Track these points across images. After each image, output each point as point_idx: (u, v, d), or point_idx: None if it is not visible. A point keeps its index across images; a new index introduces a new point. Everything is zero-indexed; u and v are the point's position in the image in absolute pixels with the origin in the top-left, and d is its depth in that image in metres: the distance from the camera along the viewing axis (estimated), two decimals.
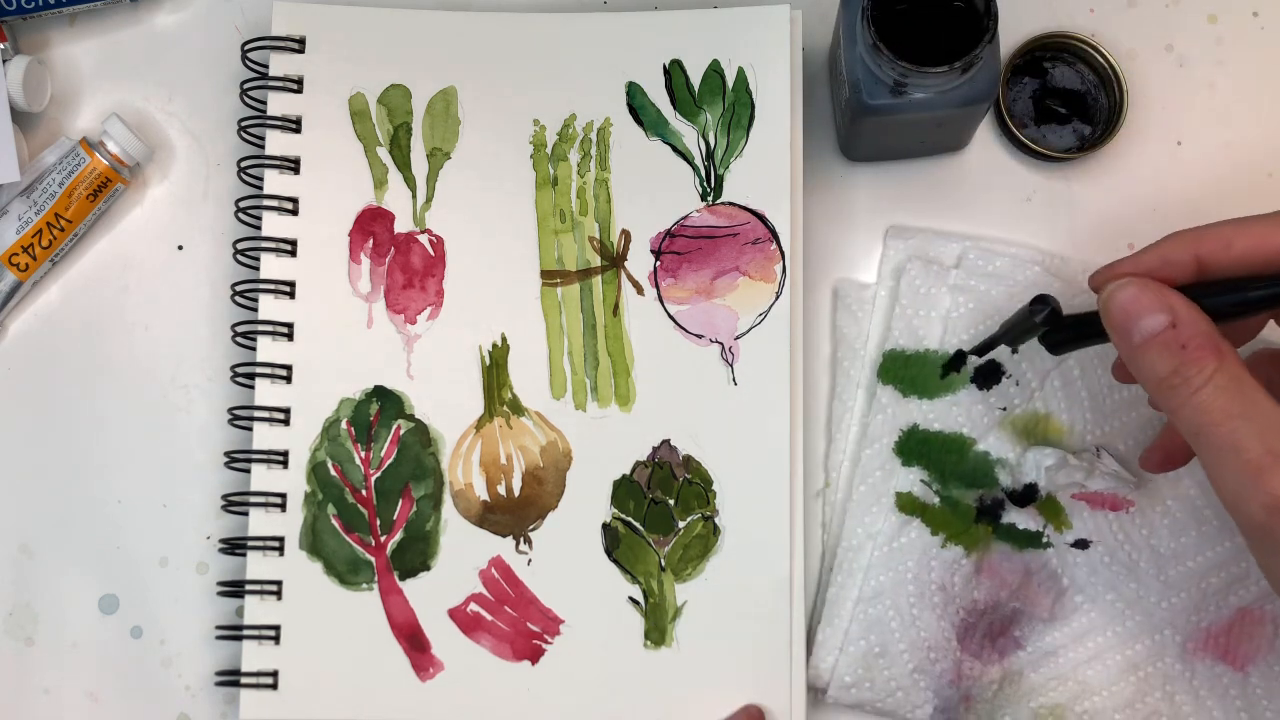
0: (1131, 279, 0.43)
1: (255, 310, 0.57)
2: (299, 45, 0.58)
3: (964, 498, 0.55)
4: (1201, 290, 0.43)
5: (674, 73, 0.57)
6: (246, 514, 0.56)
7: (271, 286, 0.57)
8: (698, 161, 0.57)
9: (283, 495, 0.56)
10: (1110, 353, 0.56)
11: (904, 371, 0.56)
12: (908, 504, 0.55)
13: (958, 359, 0.56)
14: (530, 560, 0.56)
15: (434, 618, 0.55)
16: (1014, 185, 0.59)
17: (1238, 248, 0.43)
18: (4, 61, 0.58)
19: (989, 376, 0.56)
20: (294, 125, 0.58)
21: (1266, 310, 0.44)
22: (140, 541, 0.58)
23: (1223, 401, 0.40)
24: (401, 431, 0.56)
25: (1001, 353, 0.56)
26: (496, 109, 0.58)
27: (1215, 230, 0.43)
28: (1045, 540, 0.55)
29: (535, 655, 0.55)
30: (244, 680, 0.55)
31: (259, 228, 0.57)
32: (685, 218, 0.57)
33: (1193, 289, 0.43)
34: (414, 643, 0.55)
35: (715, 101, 0.57)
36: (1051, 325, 0.47)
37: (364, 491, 0.56)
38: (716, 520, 0.55)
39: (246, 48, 0.58)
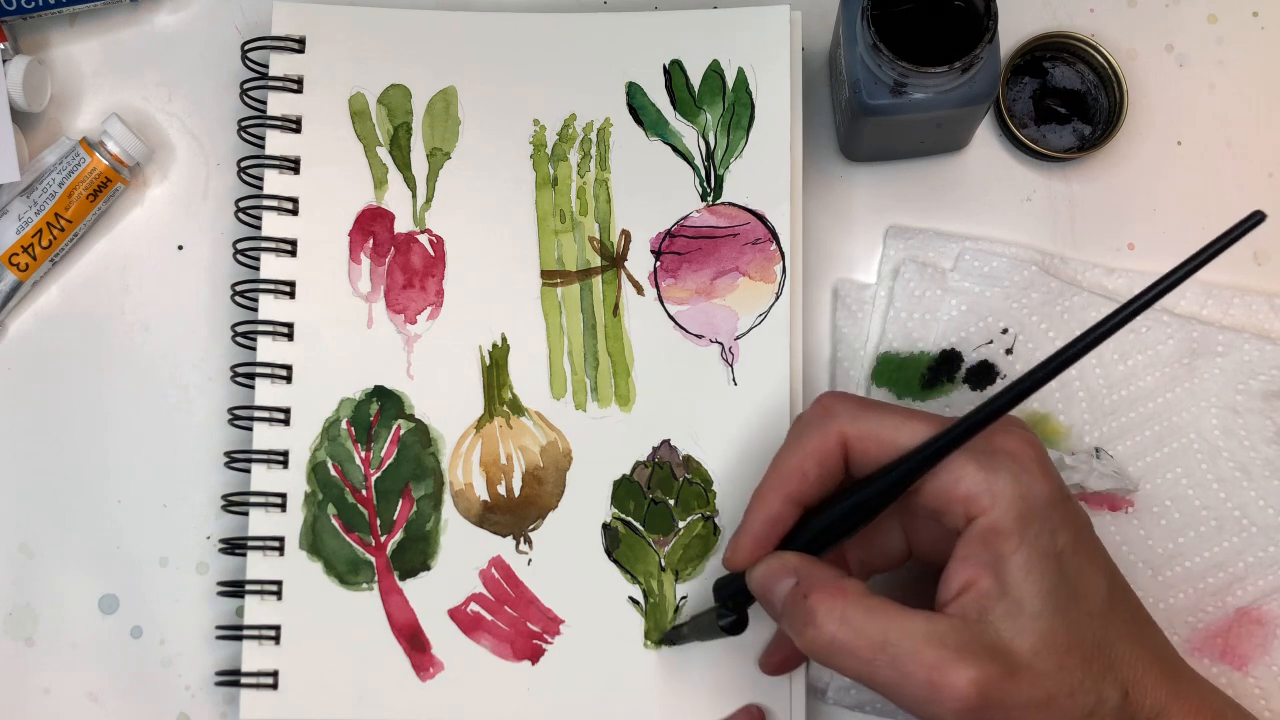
0: (765, 558, 0.45)
1: (255, 310, 0.57)
2: (299, 45, 0.58)
3: None
4: (813, 525, 0.45)
5: (674, 73, 0.57)
6: (246, 514, 0.56)
7: (271, 286, 0.57)
8: (698, 162, 0.57)
9: (283, 495, 0.56)
10: (1110, 353, 0.56)
11: (898, 374, 0.56)
12: None
13: (941, 369, 0.56)
14: (530, 560, 0.56)
15: (434, 618, 0.55)
16: (1014, 185, 0.59)
17: (811, 471, 0.45)
18: (4, 61, 0.58)
19: (983, 378, 0.56)
20: (294, 125, 0.58)
21: (860, 524, 0.45)
22: (140, 541, 0.58)
23: (863, 638, 0.41)
24: (401, 431, 0.56)
25: (995, 353, 0.56)
26: (496, 109, 0.58)
27: (785, 466, 0.45)
28: None
29: (535, 655, 0.55)
30: (244, 680, 0.55)
31: (259, 228, 0.57)
32: (685, 218, 0.57)
33: (814, 522, 0.45)
34: (414, 643, 0.55)
35: (715, 102, 0.57)
36: (736, 624, 0.49)
37: (364, 491, 0.56)
38: (716, 520, 0.55)
39: (246, 48, 0.58)
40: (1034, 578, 0.41)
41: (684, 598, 0.55)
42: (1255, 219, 0.41)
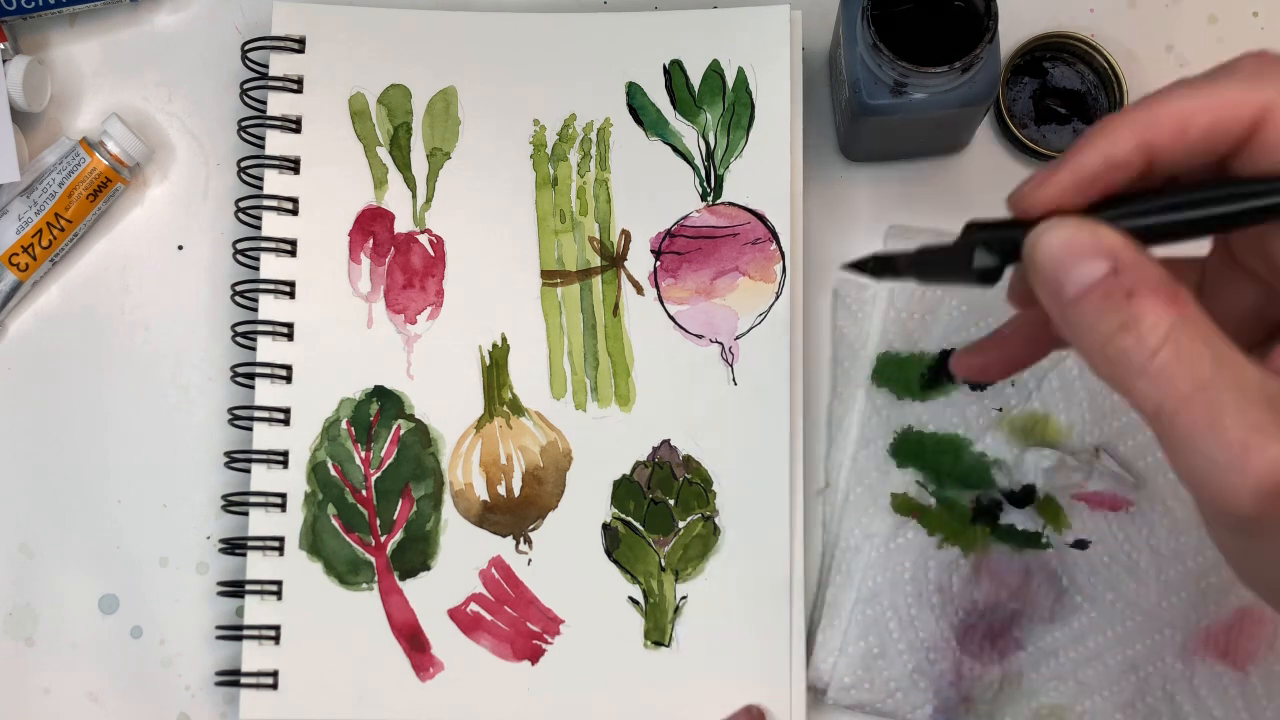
0: (1061, 219, 0.34)
1: (255, 310, 0.57)
2: (299, 45, 0.58)
3: (960, 499, 0.55)
4: (1152, 206, 0.34)
5: (674, 73, 0.57)
6: (246, 514, 0.56)
7: (271, 286, 0.57)
8: (698, 161, 0.57)
9: (283, 495, 0.56)
10: None
11: (897, 374, 0.56)
12: (904, 505, 0.55)
13: (941, 369, 0.56)
14: (530, 560, 0.56)
15: (434, 618, 0.55)
16: (1014, 185, 0.58)
17: (1197, 128, 0.34)
18: (4, 61, 0.58)
19: None
20: (294, 125, 0.58)
21: (1246, 225, 0.34)
22: (140, 541, 0.58)
23: (1187, 369, 0.32)
24: (401, 431, 0.56)
25: None
26: (496, 109, 0.58)
27: (1166, 107, 0.34)
28: (1044, 541, 0.55)
29: (535, 655, 0.55)
30: (244, 680, 0.55)
31: (259, 228, 0.57)
32: (685, 218, 0.57)
33: (1138, 205, 0.35)
34: (414, 643, 0.55)
35: (715, 101, 0.57)
36: (994, 273, 0.36)
37: (364, 491, 0.56)
38: (716, 520, 0.55)
39: (246, 48, 0.58)
40: None
41: (684, 597, 0.55)
42: None
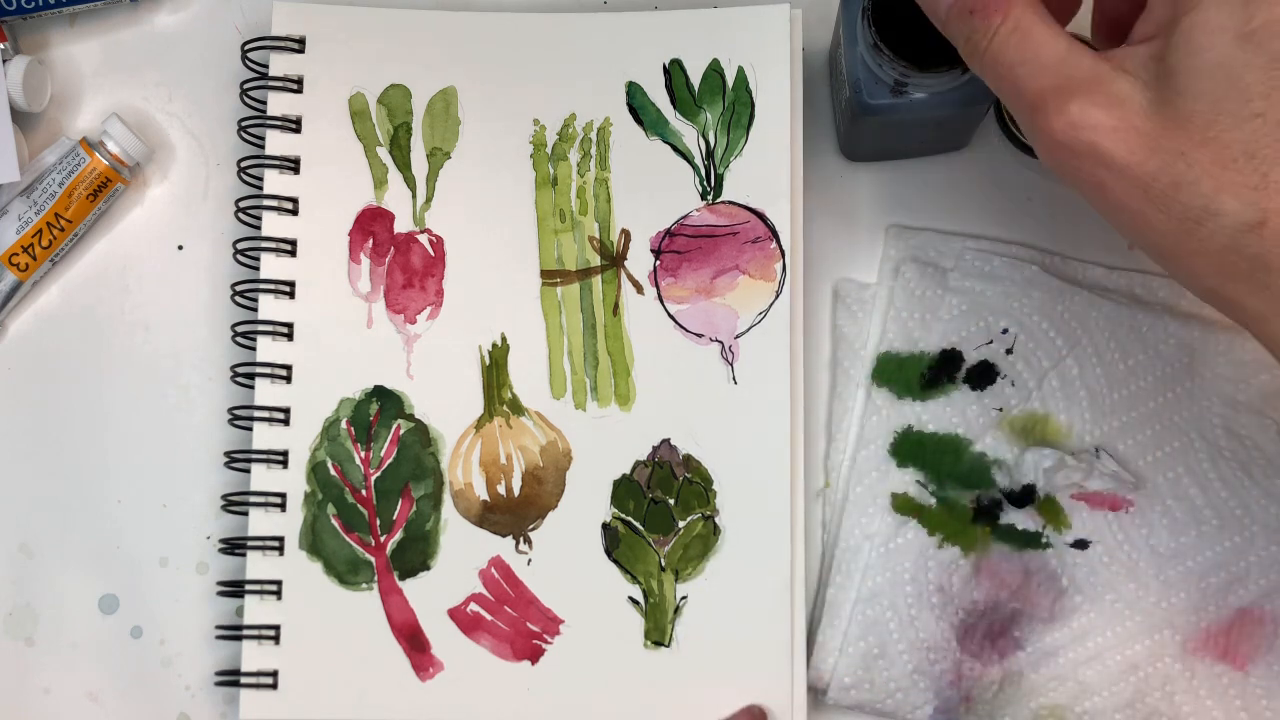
0: None
1: (255, 310, 0.57)
2: (299, 45, 0.58)
3: (960, 498, 0.55)
4: None
5: (674, 72, 0.57)
6: (246, 514, 0.56)
7: (271, 286, 0.57)
8: (698, 161, 0.57)
9: (282, 495, 0.56)
10: (1107, 349, 0.56)
11: (897, 374, 0.56)
12: (904, 505, 0.55)
13: (941, 368, 0.56)
14: (530, 560, 0.56)
15: (434, 618, 0.55)
16: (1014, 185, 0.59)
17: None
18: (4, 61, 0.58)
19: (983, 377, 0.56)
20: (294, 125, 0.58)
21: None
22: (140, 541, 0.58)
23: (1006, 53, 0.40)
24: (401, 431, 0.56)
25: (996, 353, 0.56)
26: (496, 109, 0.58)
27: None
28: (1044, 541, 0.55)
29: (535, 655, 0.55)
30: (244, 680, 0.55)
31: (259, 228, 0.57)
32: (685, 217, 0.57)
33: None
34: (414, 643, 0.55)
35: (715, 101, 0.57)
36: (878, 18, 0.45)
37: (364, 491, 0.56)
38: (716, 520, 0.55)
39: (246, 48, 0.58)
40: (1194, 48, 0.37)
41: (684, 597, 0.55)
42: None
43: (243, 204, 0.58)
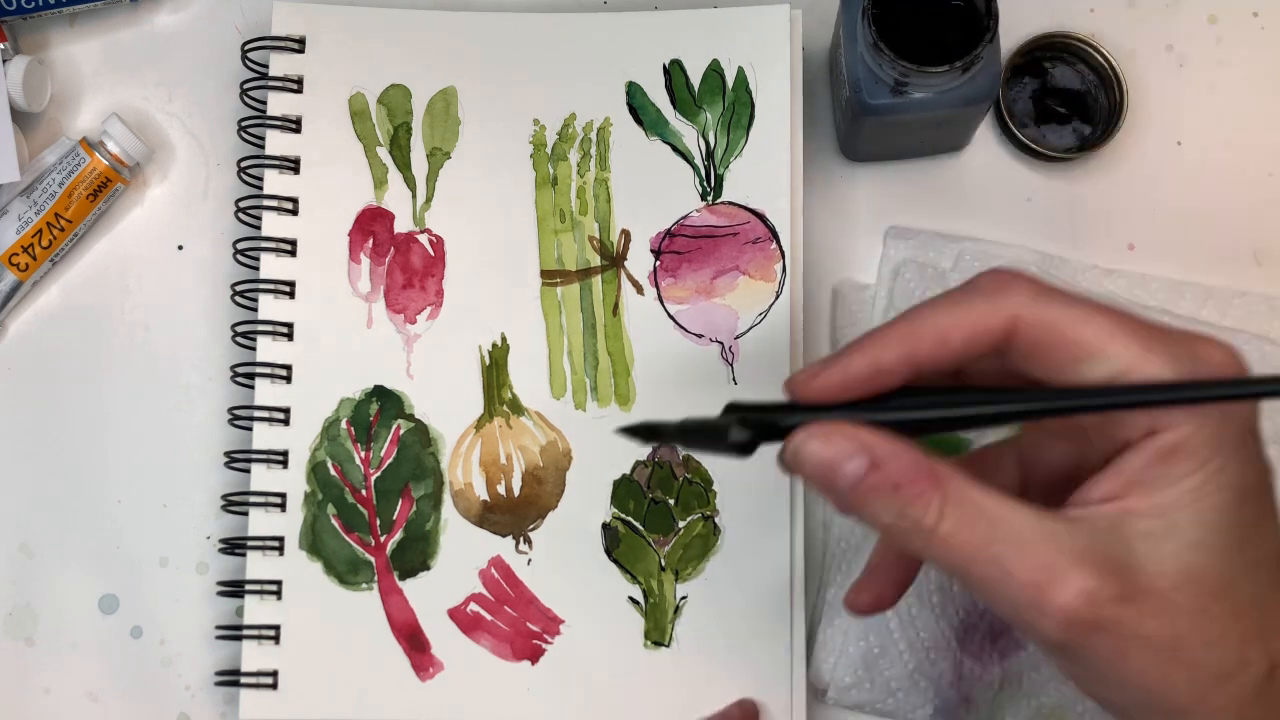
0: (813, 430, 0.37)
1: (255, 310, 0.57)
2: (299, 45, 0.58)
3: None
4: (911, 402, 0.38)
5: (674, 72, 0.57)
6: (246, 514, 0.56)
7: (271, 286, 0.57)
8: (698, 161, 0.57)
9: (283, 495, 0.56)
10: None
11: None
12: None
13: None
14: (530, 560, 0.56)
15: (434, 618, 0.55)
16: (1014, 185, 0.59)
17: (955, 341, 0.37)
18: (4, 61, 0.58)
19: None
20: (294, 125, 0.58)
21: (990, 427, 0.39)
22: (140, 541, 0.58)
23: (966, 534, 0.36)
24: (401, 431, 0.56)
25: None
26: (496, 109, 0.58)
27: (926, 323, 0.38)
28: None
29: (535, 655, 0.55)
30: (244, 680, 0.55)
31: (259, 228, 0.57)
32: (685, 217, 0.57)
33: (898, 401, 0.38)
34: (414, 643, 0.55)
35: (715, 101, 0.57)
36: (749, 446, 0.39)
37: (364, 491, 0.56)
38: (716, 520, 0.55)
39: (246, 48, 0.58)
40: (1202, 506, 0.35)
41: (684, 597, 0.55)
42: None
43: (243, 204, 0.58)
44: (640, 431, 0.42)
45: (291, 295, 0.57)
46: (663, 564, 0.55)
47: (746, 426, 0.38)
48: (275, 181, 0.57)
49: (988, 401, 0.37)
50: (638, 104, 0.57)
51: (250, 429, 0.56)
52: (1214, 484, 0.36)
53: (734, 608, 0.55)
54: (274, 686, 0.55)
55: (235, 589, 0.56)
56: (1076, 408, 0.37)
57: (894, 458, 0.36)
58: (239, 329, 0.57)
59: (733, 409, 0.39)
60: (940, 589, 0.55)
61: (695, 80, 0.57)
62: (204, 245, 0.60)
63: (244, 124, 0.58)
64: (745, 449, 0.38)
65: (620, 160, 0.57)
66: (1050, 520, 0.36)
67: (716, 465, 0.55)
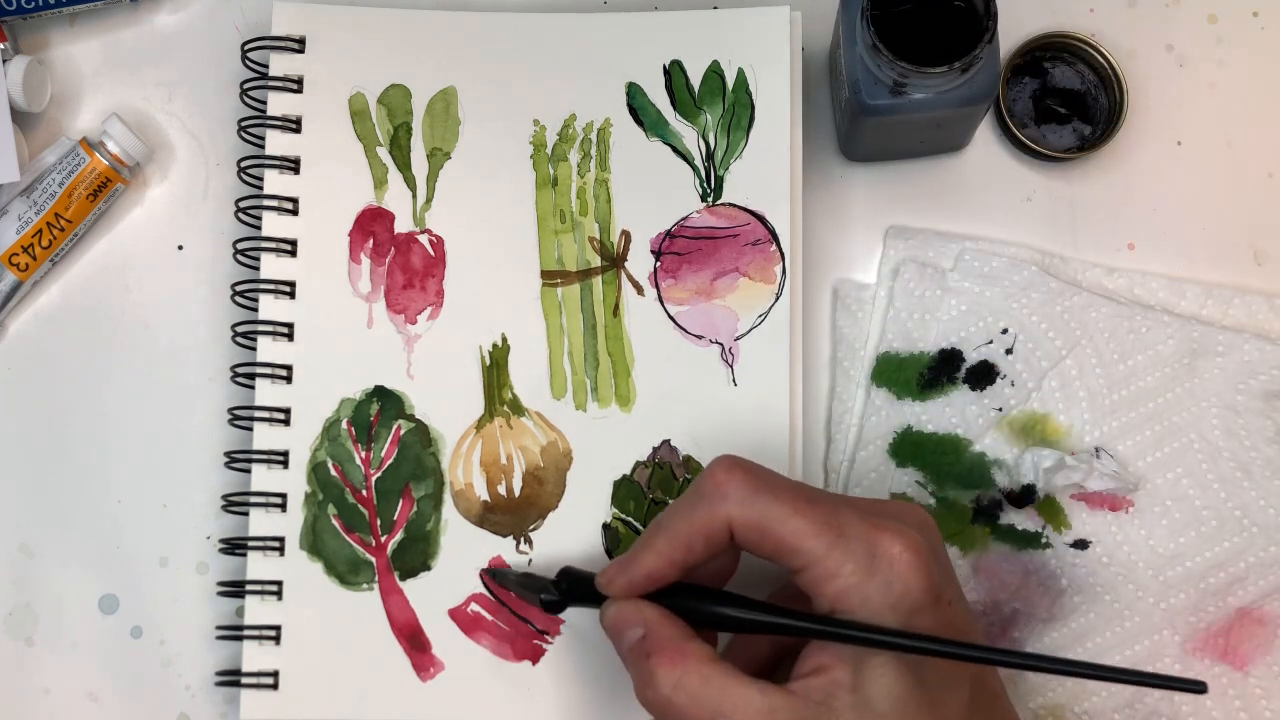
0: (614, 601, 0.46)
1: (255, 310, 0.57)
2: (299, 45, 0.58)
3: (960, 498, 0.55)
4: (686, 597, 0.46)
5: (674, 73, 0.57)
6: (246, 514, 0.56)
7: (271, 286, 0.57)
8: (698, 162, 0.57)
9: (283, 495, 0.56)
10: (1108, 352, 0.56)
11: (897, 374, 0.56)
12: None
13: (941, 368, 0.56)
14: (531, 560, 0.56)
15: (434, 618, 0.55)
16: (1014, 185, 0.59)
17: (699, 544, 0.45)
18: (4, 61, 0.58)
19: (983, 378, 0.56)
20: (294, 125, 0.58)
21: (743, 631, 0.46)
22: (140, 541, 0.58)
23: (695, 704, 0.43)
24: (402, 431, 0.56)
25: (995, 353, 0.56)
26: (496, 109, 0.58)
27: (676, 531, 0.45)
28: (1044, 541, 0.55)
29: (536, 655, 0.55)
30: (244, 680, 0.55)
31: (259, 228, 0.57)
32: (685, 218, 0.57)
33: (682, 594, 0.46)
34: (414, 643, 0.55)
35: (715, 102, 0.57)
36: (555, 605, 0.50)
37: (364, 491, 0.56)
38: None
39: (246, 48, 0.58)
40: (889, 680, 0.42)
41: None
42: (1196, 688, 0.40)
43: (243, 204, 0.58)
44: (495, 576, 0.54)
45: (292, 295, 0.57)
46: None
47: (557, 589, 0.49)
48: (275, 181, 0.57)
49: (712, 602, 0.46)
50: (638, 105, 0.57)
51: (250, 429, 0.56)
52: (895, 659, 0.42)
53: None
54: (275, 687, 0.55)
55: (236, 589, 0.56)
56: (761, 625, 0.45)
57: (657, 629, 0.45)
58: (239, 329, 0.57)
59: (562, 573, 0.50)
60: None
61: (695, 81, 0.57)
62: (204, 245, 0.60)
63: (244, 124, 0.58)
64: (553, 608, 0.50)
65: (620, 161, 0.57)
66: (770, 694, 0.42)
67: None
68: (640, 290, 0.56)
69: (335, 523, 0.56)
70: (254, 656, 0.55)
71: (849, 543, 0.43)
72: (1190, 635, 0.54)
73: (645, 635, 0.45)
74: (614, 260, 0.57)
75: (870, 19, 0.49)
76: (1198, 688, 0.40)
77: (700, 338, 0.56)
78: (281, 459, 0.56)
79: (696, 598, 0.46)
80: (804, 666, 0.43)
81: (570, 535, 0.55)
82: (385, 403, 0.56)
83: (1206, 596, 0.54)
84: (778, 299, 0.56)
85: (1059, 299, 0.56)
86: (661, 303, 0.56)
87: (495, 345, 0.57)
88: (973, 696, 0.44)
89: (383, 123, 0.58)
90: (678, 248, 0.56)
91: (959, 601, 0.44)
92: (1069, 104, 0.58)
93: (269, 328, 0.56)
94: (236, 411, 0.57)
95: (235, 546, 0.56)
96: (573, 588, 0.49)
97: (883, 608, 0.42)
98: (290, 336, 0.57)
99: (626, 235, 0.57)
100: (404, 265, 0.57)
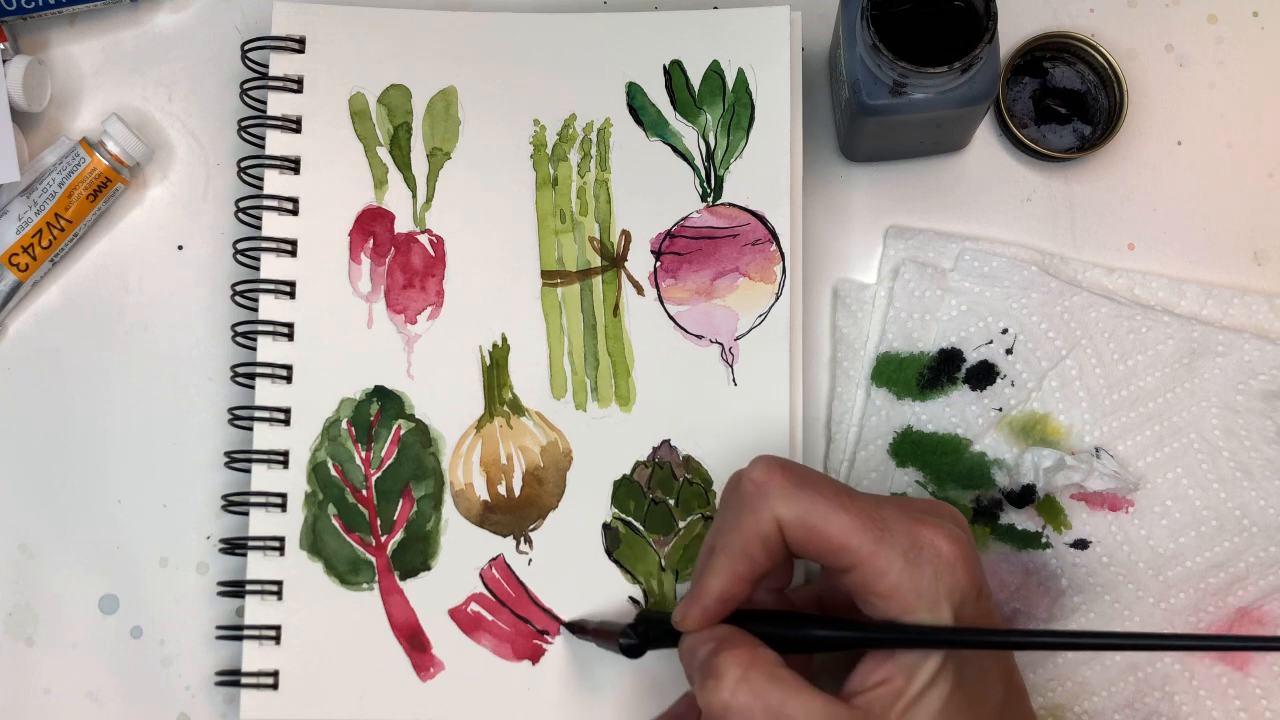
0: (691, 634, 0.46)
1: (255, 310, 0.57)
2: (299, 45, 0.58)
3: (960, 498, 0.55)
4: (771, 624, 0.46)
5: (674, 73, 0.57)
6: (247, 514, 0.56)
7: (271, 286, 0.57)
8: (698, 162, 0.57)
9: (283, 495, 0.56)
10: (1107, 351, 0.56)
11: (897, 374, 0.56)
12: None
13: (941, 368, 0.56)
14: (531, 560, 0.56)
15: (434, 618, 0.55)
16: (1014, 185, 0.59)
17: (757, 554, 0.44)
18: (4, 61, 0.58)
19: (983, 378, 0.56)
20: (294, 125, 0.58)
21: (830, 650, 0.45)
22: (140, 541, 0.58)
23: (752, 699, 0.42)
24: (402, 431, 0.56)
25: (995, 353, 0.56)
26: (496, 109, 0.58)
27: (732, 547, 0.44)
28: (1044, 541, 0.55)
29: (536, 655, 0.55)
30: (244, 680, 0.55)
31: (259, 228, 0.57)
32: (685, 218, 0.57)
33: (761, 621, 0.45)
34: (414, 643, 0.55)
35: (715, 102, 0.57)
36: (634, 649, 0.49)
37: (364, 491, 0.56)
38: None
39: (246, 48, 0.58)
40: (941, 684, 0.42)
41: None
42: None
43: (243, 204, 0.58)
44: (571, 627, 0.55)
45: (292, 295, 0.57)
46: (663, 564, 0.55)
47: (634, 634, 0.48)
48: (275, 181, 0.57)
49: (778, 624, 0.45)
50: (638, 104, 0.57)
51: (250, 429, 0.56)
52: (945, 657, 0.42)
53: None
54: (275, 687, 0.55)
55: (236, 589, 0.56)
56: (858, 640, 0.44)
57: (730, 639, 0.44)
58: (239, 329, 0.57)
59: (640, 617, 0.50)
60: None
61: (695, 81, 0.57)
62: (204, 245, 0.60)
63: (244, 124, 0.58)
64: (632, 652, 0.48)
65: (620, 161, 0.57)
66: (834, 705, 0.42)
67: (716, 466, 0.55)
68: (640, 290, 0.56)
69: (335, 523, 0.56)
70: (254, 656, 0.55)
71: (895, 537, 0.42)
72: None
73: (715, 645, 0.44)
74: (614, 260, 0.57)
75: (870, 19, 0.49)
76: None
77: (700, 338, 0.56)
78: (281, 459, 0.56)
79: (772, 622, 0.45)
80: (862, 680, 0.43)
81: (570, 535, 0.55)
82: (385, 403, 0.56)
83: (1206, 596, 0.54)
84: (778, 299, 0.56)
85: (1059, 299, 0.56)
86: (661, 303, 0.56)
87: (495, 345, 0.57)
88: (1006, 692, 0.44)
89: (383, 123, 0.58)
90: (678, 248, 0.56)
91: (990, 594, 0.44)
92: (1069, 104, 0.58)
93: (269, 328, 0.56)
94: (236, 411, 0.57)
95: (235, 546, 0.56)
96: (650, 630, 0.48)
97: (937, 600, 0.42)
98: (290, 336, 0.57)
99: (626, 235, 0.57)
100: (404, 265, 0.57)
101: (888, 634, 0.43)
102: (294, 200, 0.57)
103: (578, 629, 0.54)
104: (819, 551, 0.43)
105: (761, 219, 0.56)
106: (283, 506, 0.56)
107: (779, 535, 0.44)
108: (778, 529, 0.44)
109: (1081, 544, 0.55)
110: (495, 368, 0.56)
